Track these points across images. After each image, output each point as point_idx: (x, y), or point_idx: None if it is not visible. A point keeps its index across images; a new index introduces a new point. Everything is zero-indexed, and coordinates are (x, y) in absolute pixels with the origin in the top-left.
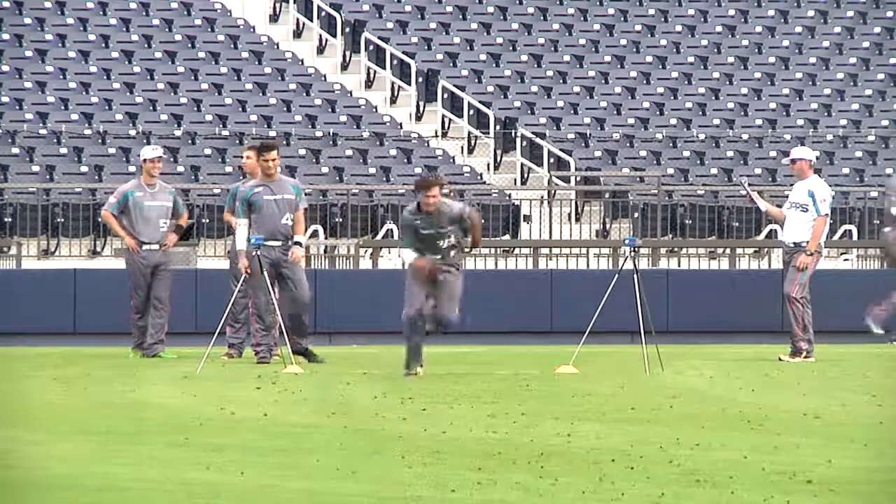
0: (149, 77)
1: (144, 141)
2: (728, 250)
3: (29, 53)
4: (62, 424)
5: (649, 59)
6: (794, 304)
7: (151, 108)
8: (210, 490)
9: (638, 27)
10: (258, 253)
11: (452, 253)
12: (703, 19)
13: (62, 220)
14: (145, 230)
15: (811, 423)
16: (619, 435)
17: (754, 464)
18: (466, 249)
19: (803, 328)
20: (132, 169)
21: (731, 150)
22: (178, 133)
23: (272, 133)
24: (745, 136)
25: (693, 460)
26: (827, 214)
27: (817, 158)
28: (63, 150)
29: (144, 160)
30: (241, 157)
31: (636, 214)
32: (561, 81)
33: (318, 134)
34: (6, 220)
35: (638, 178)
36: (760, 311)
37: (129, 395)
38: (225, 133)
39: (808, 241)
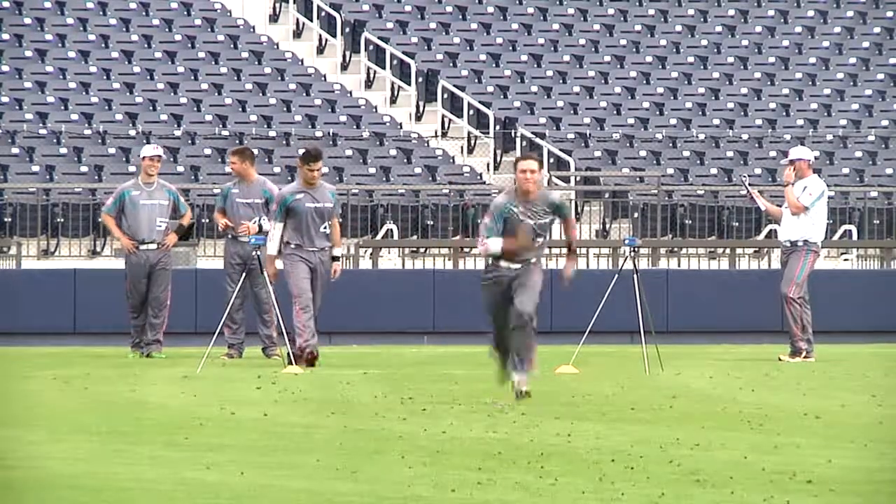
0: (149, 77)
1: (144, 141)
2: (728, 250)
3: (29, 53)
4: (62, 424)
5: (649, 59)
6: (792, 304)
7: (151, 108)
8: (210, 490)
9: (638, 27)
10: (258, 253)
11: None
12: (702, 19)
13: (62, 220)
14: (141, 229)
15: (811, 423)
16: (619, 435)
17: (754, 464)
18: (566, 242)
19: (802, 328)
20: (132, 169)
21: (731, 150)
22: (178, 133)
23: (272, 133)
24: (745, 136)
25: (693, 460)
26: (806, 207)
27: (816, 158)
28: (63, 150)
29: (143, 158)
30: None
31: (636, 214)
32: (561, 81)
33: (318, 134)
34: (6, 220)
35: (638, 178)
36: (760, 311)
37: (129, 395)
38: (225, 133)
39: (804, 241)
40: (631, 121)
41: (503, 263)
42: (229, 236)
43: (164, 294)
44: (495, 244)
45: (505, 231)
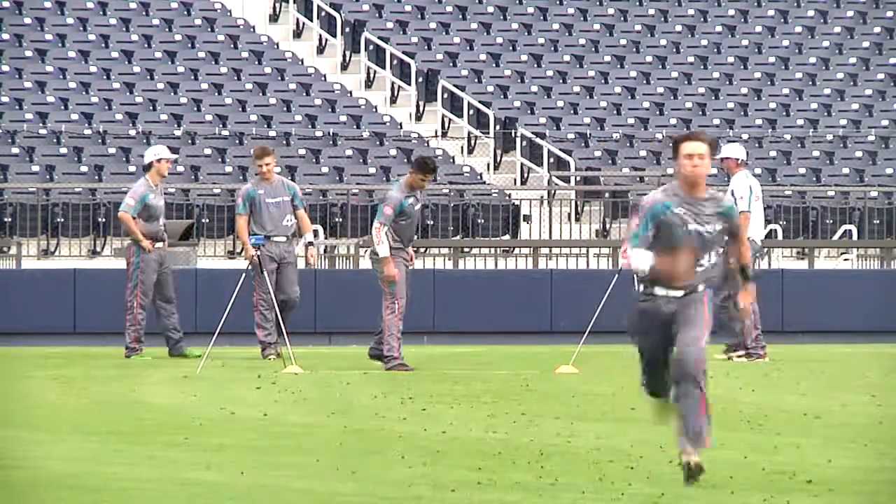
0: (149, 77)
1: (144, 141)
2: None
3: (29, 53)
4: (62, 424)
5: (649, 58)
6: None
7: (151, 107)
8: (210, 490)
9: (638, 27)
10: (258, 253)
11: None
12: (702, 19)
13: (62, 219)
14: (154, 229)
15: (811, 423)
16: (619, 435)
17: (754, 464)
18: (732, 265)
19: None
20: (132, 169)
21: None
22: (178, 133)
23: (272, 133)
24: (745, 136)
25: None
26: (747, 212)
27: (815, 156)
28: (63, 150)
29: (160, 160)
30: (249, 158)
31: None
32: (561, 81)
33: (318, 134)
34: (6, 220)
35: (638, 178)
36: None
37: (129, 395)
38: (225, 133)
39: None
40: (631, 121)
41: (659, 290)
42: (262, 237)
43: (174, 293)
44: (642, 259)
45: (658, 241)
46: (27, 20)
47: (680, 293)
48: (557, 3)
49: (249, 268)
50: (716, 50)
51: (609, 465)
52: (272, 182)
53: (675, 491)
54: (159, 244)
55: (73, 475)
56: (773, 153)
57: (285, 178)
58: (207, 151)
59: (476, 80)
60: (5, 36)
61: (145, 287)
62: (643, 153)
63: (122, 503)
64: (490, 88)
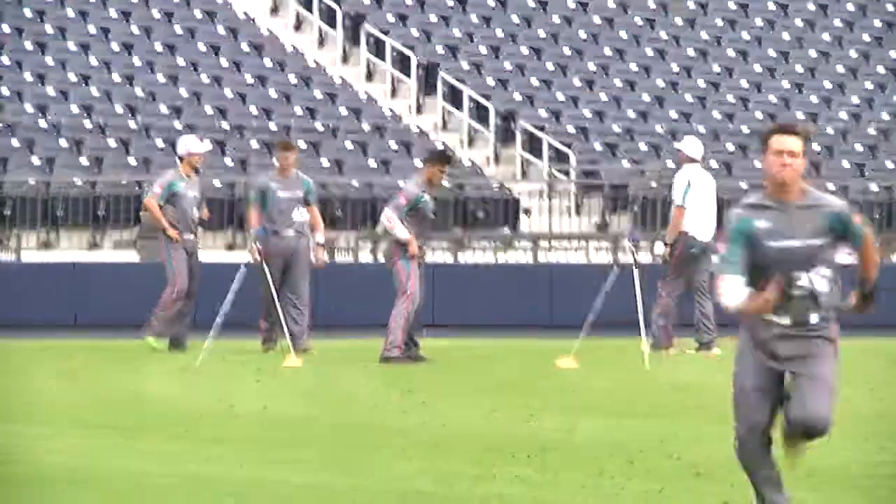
0: (149, 70)
1: (144, 133)
2: None
3: (29, 46)
4: (62, 419)
5: (649, 52)
6: (659, 297)
7: (151, 99)
8: (209, 483)
9: (638, 20)
10: (258, 246)
11: (821, 304)
12: (703, 13)
13: (62, 212)
14: (185, 219)
15: None
16: (619, 429)
17: None
18: (852, 303)
19: (664, 325)
20: (133, 161)
21: (732, 142)
22: (178, 126)
23: (272, 126)
24: (745, 129)
25: (692, 454)
26: (681, 206)
27: (823, 151)
28: (63, 143)
29: (191, 153)
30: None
31: (636, 208)
32: (561, 75)
33: (319, 127)
34: (6, 212)
35: (639, 172)
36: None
37: (130, 388)
38: (225, 126)
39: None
40: (631, 114)
41: (773, 316)
42: (269, 231)
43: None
44: (734, 296)
45: (754, 264)
46: (27, 12)
47: (798, 328)
48: None
49: (249, 260)
50: (716, 43)
51: (609, 458)
52: (289, 176)
53: (674, 485)
54: (189, 236)
55: (73, 468)
56: None
57: (303, 173)
58: (208, 144)
59: (476, 73)
60: (6, 28)
61: (182, 279)
62: (643, 147)
63: (122, 498)
64: (490, 82)
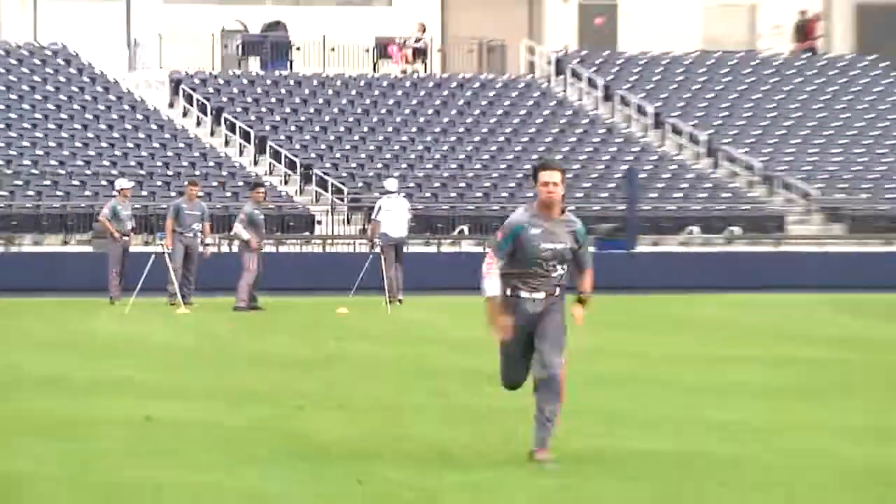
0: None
1: (96, 176)
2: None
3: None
4: (30, 344)
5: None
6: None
7: (99, 157)
8: (129, 384)
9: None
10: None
11: (557, 291)
12: None
13: (46, 222)
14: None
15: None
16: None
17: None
18: (583, 294)
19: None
20: (88, 192)
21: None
22: (115, 172)
23: (169, 172)
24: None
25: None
26: (375, 220)
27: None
28: (46, 182)
29: (122, 188)
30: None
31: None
32: (339, 145)
33: (198, 172)
34: (13, 222)
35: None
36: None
37: (85, 328)
38: (142, 172)
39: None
40: (378, 165)
41: (524, 293)
42: (180, 233)
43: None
44: (489, 287)
45: (513, 256)
46: None
47: (542, 296)
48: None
49: (163, 250)
50: None
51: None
52: (193, 201)
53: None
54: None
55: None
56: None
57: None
58: (131, 182)
59: (289, 142)
60: None
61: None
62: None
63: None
64: (297, 146)
